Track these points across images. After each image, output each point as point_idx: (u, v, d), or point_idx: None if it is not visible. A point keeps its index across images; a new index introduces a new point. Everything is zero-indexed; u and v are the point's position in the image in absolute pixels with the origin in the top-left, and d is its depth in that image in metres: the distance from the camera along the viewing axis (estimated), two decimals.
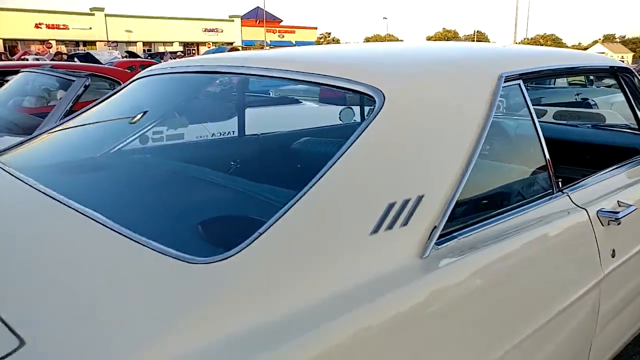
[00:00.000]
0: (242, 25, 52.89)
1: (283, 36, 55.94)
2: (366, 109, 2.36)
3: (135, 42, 45.48)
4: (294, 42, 55.72)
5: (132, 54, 24.26)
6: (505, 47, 1.73)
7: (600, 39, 57.78)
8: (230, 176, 1.56)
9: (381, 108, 1.02)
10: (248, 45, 47.67)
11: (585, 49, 50.52)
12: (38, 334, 0.68)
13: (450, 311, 0.91)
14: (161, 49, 45.54)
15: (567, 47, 55.31)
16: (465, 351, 0.94)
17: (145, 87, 1.84)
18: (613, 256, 1.39)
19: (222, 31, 51.74)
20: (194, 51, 46.69)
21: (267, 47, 47.74)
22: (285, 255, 0.78)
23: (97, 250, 0.87)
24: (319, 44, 65.79)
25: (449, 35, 68.15)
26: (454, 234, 1.02)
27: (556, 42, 60.29)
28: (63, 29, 42.09)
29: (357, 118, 2.75)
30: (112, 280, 0.78)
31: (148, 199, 1.33)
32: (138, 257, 0.82)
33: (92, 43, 42.26)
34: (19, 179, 1.31)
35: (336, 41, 68.57)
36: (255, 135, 2.29)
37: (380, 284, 0.83)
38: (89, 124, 1.77)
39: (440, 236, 0.97)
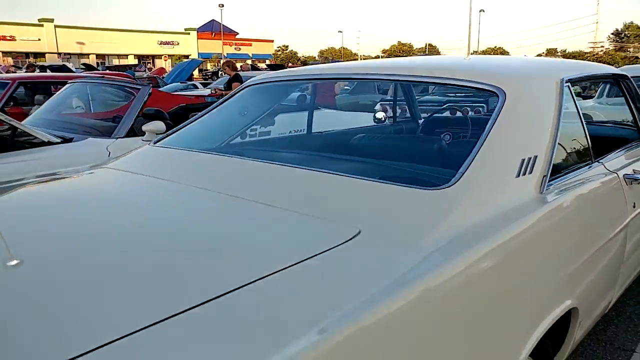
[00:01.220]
0: (198, 38, 52.61)
1: (239, 49, 56.03)
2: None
3: (88, 54, 44.34)
4: (250, 55, 55.96)
5: (89, 67, 23.78)
6: (555, 60, 2.23)
7: (543, 53, 61.62)
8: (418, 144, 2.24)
9: (504, 101, 1.50)
10: (205, 57, 47.51)
11: None
12: (367, 226, 1.17)
13: (558, 226, 1.46)
14: (115, 61, 44.62)
15: None
16: (566, 251, 1.49)
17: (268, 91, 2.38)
18: (634, 207, 1.93)
19: (178, 44, 51.31)
20: (149, 64, 45.89)
21: (225, 59, 48.06)
22: (477, 186, 1.31)
23: (373, 188, 1.36)
24: (277, 57, 66.46)
25: (404, 49, 70.51)
26: (551, 181, 1.51)
27: (504, 54, 63.58)
28: (10, 40, 40.57)
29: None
30: (391, 199, 1.30)
31: (366, 165, 1.83)
32: (399, 189, 1.32)
33: (42, 55, 40.94)
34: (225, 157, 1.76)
35: (293, 54, 69.37)
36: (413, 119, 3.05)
37: (525, 205, 1.36)
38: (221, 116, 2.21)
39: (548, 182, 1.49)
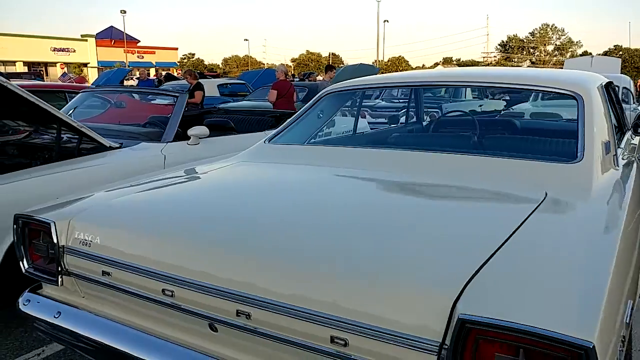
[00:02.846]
0: (97, 46, 49.65)
1: (143, 57, 53.76)
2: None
3: None
4: (154, 63, 53.99)
5: None
6: (585, 72, 2.88)
7: (440, 62, 66.59)
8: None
9: (584, 103, 2.04)
10: (106, 66, 45.06)
11: (430, 69, 57.49)
12: (548, 190, 1.67)
13: (635, 187, 2.00)
14: (0, 68, 40.78)
15: (412, 68, 61.73)
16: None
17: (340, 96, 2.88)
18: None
19: (74, 51, 47.94)
20: (41, 71, 42.33)
21: (126, 67, 46.29)
22: (593, 160, 1.84)
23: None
24: (182, 65, 64.65)
25: (313, 57, 72.04)
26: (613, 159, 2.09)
27: (406, 63, 67.61)
28: None
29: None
30: (549, 171, 1.83)
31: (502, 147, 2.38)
32: (552, 165, 1.86)
33: None
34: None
35: (200, 62, 67.98)
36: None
37: (615, 172, 1.97)
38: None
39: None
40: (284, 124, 2.64)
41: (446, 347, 1.03)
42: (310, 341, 1.19)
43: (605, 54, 41.74)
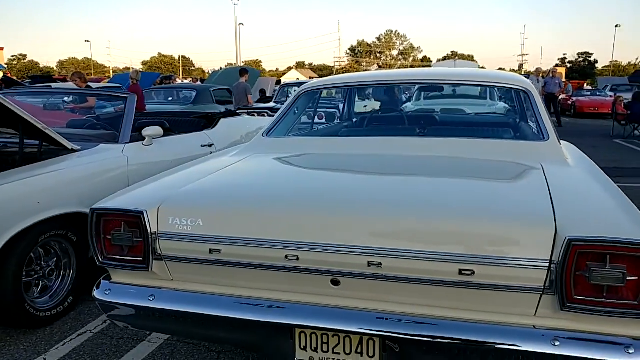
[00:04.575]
0: None
1: None
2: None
3: None
4: None
5: None
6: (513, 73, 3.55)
7: (294, 66, 68.71)
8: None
9: (533, 95, 2.61)
10: None
11: (284, 73, 59.20)
12: (542, 161, 2.14)
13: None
14: None
15: (267, 72, 62.59)
16: None
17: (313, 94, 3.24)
18: None
19: None
20: None
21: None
22: (554, 139, 2.36)
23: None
24: (11, 67, 57.04)
25: (166, 60, 68.79)
26: None
27: (260, 65, 68.24)
28: None
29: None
30: (532, 147, 2.37)
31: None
32: (531, 143, 2.45)
33: None
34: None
35: (35, 64, 60.49)
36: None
37: (565, 147, 2.46)
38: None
39: None
40: (274, 119, 2.84)
41: (555, 262, 1.41)
42: (439, 277, 1.48)
43: (445, 58, 47.42)
